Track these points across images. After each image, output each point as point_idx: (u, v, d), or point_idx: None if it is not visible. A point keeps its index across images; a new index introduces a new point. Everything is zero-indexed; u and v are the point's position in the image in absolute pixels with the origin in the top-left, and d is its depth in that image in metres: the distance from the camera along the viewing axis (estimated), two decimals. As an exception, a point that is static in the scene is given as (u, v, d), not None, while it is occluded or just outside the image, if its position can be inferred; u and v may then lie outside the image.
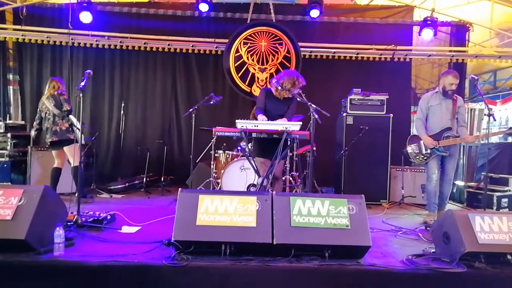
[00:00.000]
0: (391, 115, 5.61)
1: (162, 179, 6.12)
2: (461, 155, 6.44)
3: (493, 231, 2.77)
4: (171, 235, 2.72)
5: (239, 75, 6.98)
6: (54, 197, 3.06)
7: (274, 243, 2.67)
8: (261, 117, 3.97)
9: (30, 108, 6.84)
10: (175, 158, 7.07)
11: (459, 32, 7.20)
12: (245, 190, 4.98)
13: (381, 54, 7.01)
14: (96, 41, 6.83)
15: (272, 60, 6.98)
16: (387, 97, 5.66)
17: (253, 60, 6.98)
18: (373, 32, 7.03)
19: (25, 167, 5.91)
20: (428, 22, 6.55)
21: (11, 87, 7.25)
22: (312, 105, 3.71)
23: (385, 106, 5.65)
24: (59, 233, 2.68)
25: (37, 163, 5.69)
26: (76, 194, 3.72)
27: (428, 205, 4.59)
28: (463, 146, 6.54)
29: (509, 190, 5.32)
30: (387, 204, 5.52)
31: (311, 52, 7.05)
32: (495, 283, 2.63)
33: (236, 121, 3.72)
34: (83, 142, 5.16)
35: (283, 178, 4.99)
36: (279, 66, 6.91)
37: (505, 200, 5.23)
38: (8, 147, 5.88)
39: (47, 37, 6.74)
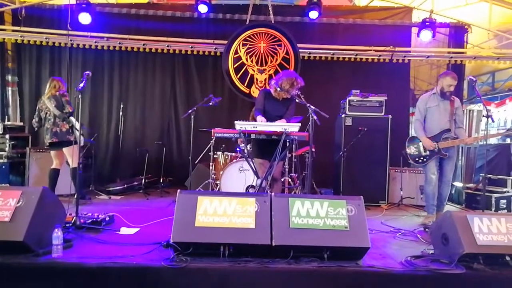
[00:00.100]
0: (390, 116, 5.62)
1: (161, 181, 6.11)
2: (459, 156, 6.45)
3: (492, 232, 2.78)
4: (169, 236, 2.71)
5: (238, 76, 6.99)
6: (53, 199, 3.05)
7: (273, 244, 2.67)
8: (260, 118, 3.97)
9: (29, 110, 6.84)
10: (174, 159, 7.07)
11: (457, 34, 7.22)
12: (244, 191, 4.98)
13: (379, 56, 7.03)
14: (95, 42, 6.83)
15: (271, 61, 6.99)
16: (386, 98, 5.67)
17: (252, 61, 6.99)
18: (371, 33, 7.05)
19: (23, 168, 5.90)
20: (427, 23, 6.57)
21: (9, 88, 7.25)
22: (311, 106, 3.71)
23: (383, 108, 5.66)
24: (57, 235, 2.67)
25: (35, 165, 5.68)
26: (75, 196, 3.70)
27: (426, 207, 4.59)
28: (462, 147, 6.55)
29: (508, 192, 5.32)
30: (386, 206, 5.52)
31: (310, 53, 7.06)
32: (494, 284, 2.63)
33: (235, 122, 3.72)
34: (82, 143, 5.16)
35: (282, 180, 4.99)
36: (278, 67, 6.92)
37: (504, 201, 5.23)
38: (7, 148, 5.87)
39: (46, 38, 6.74)
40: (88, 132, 6.63)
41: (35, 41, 6.75)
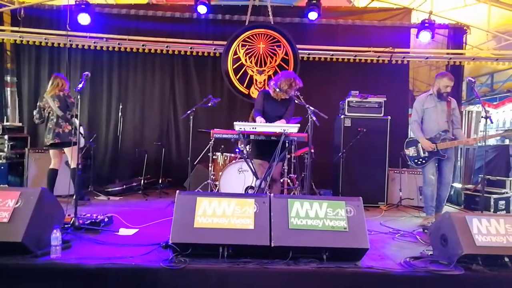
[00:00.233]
0: (389, 117, 5.62)
1: (160, 181, 6.11)
2: (458, 157, 6.46)
3: (491, 233, 2.78)
4: (168, 237, 2.71)
5: (237, 77, 6.99)
6: (51, 199, 3.04)
7: (272, 245, 2.67)
8: (259, 119, 3.97)
9: (28, 110, 6.82)
10: (173, 160, 7.06)
11: (456, 35, 7.23)
12: (243, 192, 4.98)
13: (379, 57, 7.03)
14: (94, 43, 6.83)
15: (270, 62, 6.99)
16: (385, 99, 5.68)
17: (251, 62, 6.99)
18: (371, 34, 7.06)
19: (22, 169, 5.89)
20: (426, 24, 6.58)
21: (8, 89, 7.24)
22: (310, 107, 3.71)
23: (383, 108, 5.66)
24: (56, 236, 2.67)
25: (34, 165, 5.68)
26: (74, 197, 3.70)
27: (425, 208, 4.59)
28: (460, 148, 6.56)
29: (506, 192, 5.33)
30: (385, 207, 5.53)
31: (309, 54, 7.06)
32: (493, 286, 2.63)
33: (234, 123, 3.73)
34: (81, 144, 5.16)
35: (281, 180, 4.99)
36: (277, 68, 6.92)
37: (503, 202, 5.25)
38: (5, 149, 5.86)
39: (45, 39, 6.73)
40: (88, 135, 6.62)
41: (34, 42, 6.74)
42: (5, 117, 6.99)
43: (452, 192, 5.94)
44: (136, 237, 3.38)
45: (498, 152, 6.03)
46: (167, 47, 6.92)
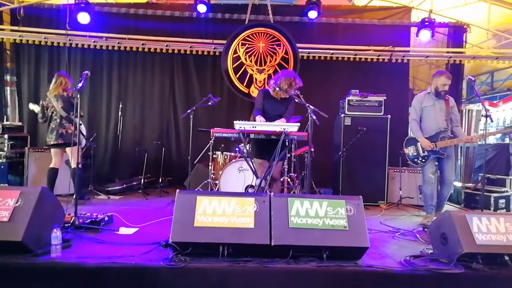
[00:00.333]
0: (389, 116, 5.62)
1: (160, 180, 6.11)
2: (458, 156, 6.45)
3: (491, 232, 2.78)
4: (168, 236, 2.71)
5: (237, 76, 6.98)
6: (51, 199, 3.05)
7: (272, 244, 2.67)
8: (259, 118, 3.97)
9: (28, 109, 6.78)
10: (173, 159, 7.06)
11: (456, 33, 7.23)
12: (243, 191, 4.98)
13: (379, 55, 7.03)
14: (94, 42, 6.82)
15: (270, 61, 6.99)
16: (385, 98, 5.67)
17: (251, 61, 6.98)
18: (371, 33, 7.05)
19: (22, 168, 5.89)
20: (426, 23, 6.58)
21: (8, 88, 7.24)
22: (310, 106, 3.71)
23: (383, 107, 5.66)
24: (56, 235, 2.67)
25: (34, 165, 5.67)
26: (74, 196, 3.70)
27: (425, 207, 4.59)
28: (461, 147, 6.56)
29: (507, 191, 5.33)
30: (385, 205, 5.53)
31: (309, 53, 7.05)
32: (493, 284, 2.64)
33: (234, 122, 3.72)
34: (82, 145, 5.16)
35: (281, 179, 4.99)
36: (277, 67, 6.91)
37: (503, 201, 5.24)
38: (5, 148, 5.86)
39: (45, 38, 6.73)
40: (87, 136, 6.61)
41: (34, 41, 6.74)
42: (5, 116, 6.99)
43: (452, 191, 5.93)
44: (136, 236, 3.38)
45: (498, 150, 6.03)
46: (166, 46, 6.92)
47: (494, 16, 6.77)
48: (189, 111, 5.33)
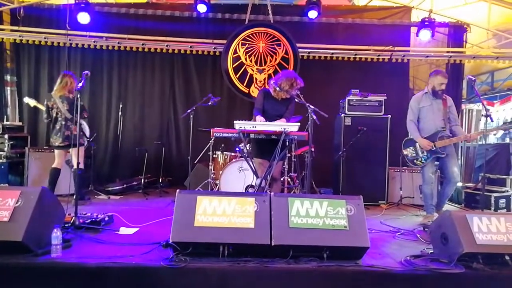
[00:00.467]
0: (389, 116, 5.62)
1: (160, 180, 6.11)
2: (459, 156, 6.45)
3: (491, 231, 2.78)
4: (169, 236, 2.71)
5: (237, 76, 6.98)
6: (52, 199, 3.04)
7: (272, 244, 2.67)
8: (259, 118, 3.97)
9: (28, 109, 6.81)
10: (173, 159, 7.06)
11: (456, 33, 7.23)
12: (243, 191, 4.98)
13: (379, 55, 7.03)
14: (94, 42, 6.82)
15: (270, 61, 6.99)
16: (385, 98, 5.67)
17: (251, 61, 6.98)
18: (371, 33, 7.05)
19: (22, 168, 5.89)
20: (426, 23, 6.57)
21: (8, 88, 7.24)
22: (310, 106, 3.71)
23: (383, 107, 5.66)
24: (56, 235, 2.67)
25: (34, 164, 5.67)
26: (74, 196, 3.70)
27: (425, 207, 4.59)
28: (461, 147, 6.56)
29: (507, 191, 5.33)
30: (385, 205, 5.52)
31: (309, 53, 7.05)
32: (493, 284, 2.63)
33: (234, 122, 3.72)
34: (85, 144, 5.16)
35: (282, 179, 4.99)
36: (277, 67, 6.91)
37: (503, 200, 5.24)
38: (6, 148, 5.86)
39: (45, 38, 6.73)
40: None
41: (34, 41, 6.74)
42: (5, 116, 6.98)
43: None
44: (137, 236, 3.38)
45: (498, 150, 6.03)
46: (167, 46, 6.92)
47: (494, 16, 6.76)
48: (189, 111, 5.33)
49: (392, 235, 3.76)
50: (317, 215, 2.82)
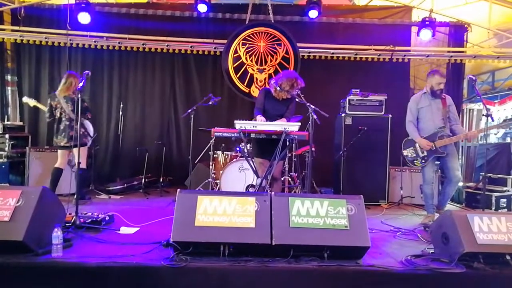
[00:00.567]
0: (390, 115, 5.62)
1: (161, 180, 6.11)
2: (459, 155, 6.45)
3: (492, 231, 2.78)
4: (169, 236, 2.71)
5: (237, 75, 6.98)
6: (52, 198, 3.05)
7: (273, 243, 2.67)
8: (259, 117, 3.97)
9: (28, 109, 6.81)
10: (174, 159, 7.06)
11: (457, 33, 7.21)
12: (244, 190, 4.98)
13: (379, 55, 7.02)
14: (95, 42, 6.83)
15: (271, 61, 6.99)
16: (386, 97, 5.67)
17: (251, 60, 6.98)
18: (371, 32, 7.04)
19: (23, 168, 5.90)
20: (427, 22, 6.56)
21: (9, 88, 7.24)
22: (311, 105, 3.71)
23: (383, 107, 5.65)
24: (57, 234, 2.67)
25: (35, 164, 5.67)
26: (75, 195, 3.70)
27: (426, 207, 4.58)
28: (462, 146, 6.55)
29: (508, 191, 5.32)
30: (386, 205, 5.52)
31: (309, 52, 7.05)
32: (494, 284, 2.63)
33: (235, 121, 3.72)
34: (88, 144, 5.16)
35: (282, 179, 4.99)
36: (277, 67, 6.91)
37: (504, 200, 5.24)
38: (6, 148, 5.86)
39: (45, 38, 6.73)
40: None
41: (35, 41, 6.74)
42: (6, 116, 6.99)
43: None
44: (137, 236, 3.38)
45: (499, 150, 6.03)
46: (167, 46, 6.92)
47: (495, 15, 6.75)
48: (189, 110, 5.33)
49: (393, 234, 3.76)
50: (317, 214, 2.82)
